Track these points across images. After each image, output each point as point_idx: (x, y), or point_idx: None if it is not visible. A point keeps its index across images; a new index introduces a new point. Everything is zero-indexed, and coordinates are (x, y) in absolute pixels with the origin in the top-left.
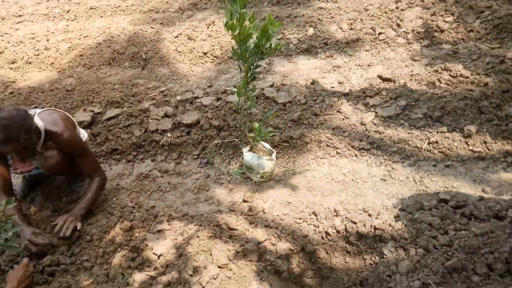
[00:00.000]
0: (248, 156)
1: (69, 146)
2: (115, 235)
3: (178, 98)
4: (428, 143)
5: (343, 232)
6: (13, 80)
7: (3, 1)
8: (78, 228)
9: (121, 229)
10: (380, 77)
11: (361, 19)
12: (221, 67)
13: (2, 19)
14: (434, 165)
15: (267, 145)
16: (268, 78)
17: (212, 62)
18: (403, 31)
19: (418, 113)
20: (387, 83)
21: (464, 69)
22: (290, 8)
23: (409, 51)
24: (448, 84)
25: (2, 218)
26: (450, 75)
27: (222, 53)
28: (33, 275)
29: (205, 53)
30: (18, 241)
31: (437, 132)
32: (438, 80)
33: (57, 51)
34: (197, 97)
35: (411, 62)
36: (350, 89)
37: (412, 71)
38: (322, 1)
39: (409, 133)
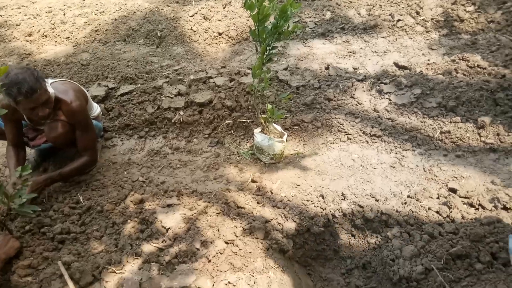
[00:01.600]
0: (259, 137)
1: (75, 116)
2: (125, 207)
3: (192, 77)
4: (440, 133)
5: (349, 216)
6: (29, 53)
7: None
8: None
9: (131, 201)
10: (396, 64)
11: (380, 5)
12: (235, 48)
13: None
14: (445, 154)
15: (279, 127)
16: (283, 61)
17: (226, 43)
18: (422, 19)
19: (432, 102)
20: (403, 71)
21: (482, 60)
22: None
23: (427, 39)
24: (464, 75)
25: (18, 184)
26: (467, 65)
27: (237, 34)
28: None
29: (220, 34)
30: (32, 207)
31: (450, 122)
32: (455, 70)
33: (73, 25)
34: (210, 77)
35: (428, 51)
36: (365, 75)
37: (429, 60)
38: None
39: (421, 122)
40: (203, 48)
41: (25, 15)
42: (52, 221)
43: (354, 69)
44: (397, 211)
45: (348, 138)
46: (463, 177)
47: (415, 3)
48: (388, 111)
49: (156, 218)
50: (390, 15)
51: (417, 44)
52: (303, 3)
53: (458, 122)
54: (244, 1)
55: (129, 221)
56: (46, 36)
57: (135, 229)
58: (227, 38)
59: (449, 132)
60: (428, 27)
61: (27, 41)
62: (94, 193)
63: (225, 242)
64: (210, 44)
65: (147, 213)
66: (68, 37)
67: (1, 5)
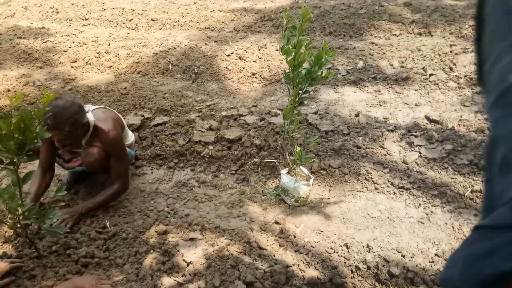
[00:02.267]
0: (285, 178)
1: (111, 145)
2: (149, 236)
3: (223, 113)
4: (471, 191)
5: (374, 269)
6: (72, 78)
7: (72, 4)
8: (68, 227)
9: (155, 231)
10: (427, 117)
11: (412, 58)
12: (267, 88)
13: (70, 20)
14: (475, 214)
15: (306, 170)
16: (313, 105)
17: (259, 83)
18: (455, 75)
19: (464, 159)
20: (434, 125)
21: None
22: (341, 40)
23: (460, 95)
24: None
25: (50, 203)
26: None
27: (270, 76)
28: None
29: (253, 74)
30: (62, 228)
31: (482, 181)
32: (488, 128)
33: (116, 56)
34: (241, 115)
35: (460, 107)
36: (395, 126)
37: (461, 116)
38: (375, 37)
39: (452, 178)
40: (236, 87)
41: (73, 42)
42: (78, 244)
43: (385, 119)
44: (423, 269)
45: (376, 188)
46: None
47: (448, 59)
48: (417, 164)
49: (178, 251)
50: (423, 68)
51: (449, 100)
52: (337, 51)
53: None
54: (281, 47)
55: (151, 251)
56: (90, 64)
57: (156, 260)
58: (260, 78)
59: (480, 191)
60: (461, 83)
61: (72, 67)
62: (121, 219)
63: (244, 283)
64: (243, 83)
65: (170, 245)
66: (110, 66)
67: (52, 32)
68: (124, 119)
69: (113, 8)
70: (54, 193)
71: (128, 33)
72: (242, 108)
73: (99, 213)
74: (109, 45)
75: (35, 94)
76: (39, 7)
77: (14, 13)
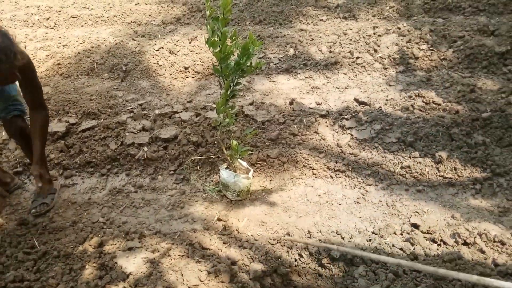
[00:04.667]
0: (224, 173)
1: (29, 67)
2: (83, 251)
3: (157, 112)
4: (401, 167)
5: (315, 255)
6: None
7: None
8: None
9: (90, 245)
10: (356, 100)
11: (340, 43)
12: (201, 82)
13: None
14: (406, 189)
15: (245, 163)
16: (248, 96)
17: (193, 77)
18: (380, 57)
19: (392, 138)
20: (363, 107)
21: (437, 96)
22: (271, 28)
23: (385, 76)
24: (421, 110)
25: None
26: (423, 102)
27: (203, 69)
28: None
29: (186, 68)
30: None
31: (410, 157)
32: (412, 106)
33: (34, 59)
34: (176, 112)
35: (386, 87)
36: (327, 111)
37: (387, 96)
38: (303, 23)
39: (382, 157)
40: (169, 83)
41: None
42: (5, 268)
43: (317, 104)
44: (362, 249)
45: (313, 174)
46: (425, 212)
47: (372, 41)
48: (350, 146)
49: (116, 262)
50: (349, 52)
51: (376, 81)
52: (267, 39)
53: (417, 157)
54: (206, 39)
55: (87, 266)
56: None
57: (93, 275)
58: (193, 72)
59: (409, 167)
60: (386, 64)
61: None
62: (51, 236)
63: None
64: (176, 78)
65: (107, 257)
66: None
67: None
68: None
69: (27, 7)
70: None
71: (47, 33)
72: (176, 105)
73: (25, 231)
74: (25, 47)
75: None
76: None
77: None
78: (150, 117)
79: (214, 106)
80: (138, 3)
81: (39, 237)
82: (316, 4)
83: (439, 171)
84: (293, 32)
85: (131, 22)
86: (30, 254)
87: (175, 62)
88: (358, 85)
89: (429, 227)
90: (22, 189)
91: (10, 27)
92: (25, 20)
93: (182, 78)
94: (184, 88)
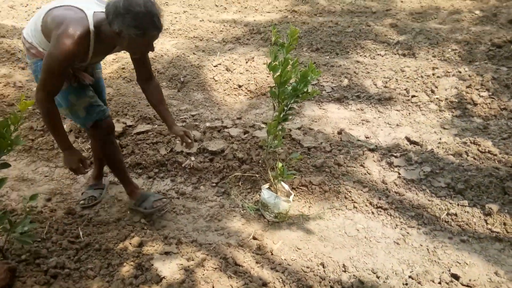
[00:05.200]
0: (266, 193)
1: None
2: (123, 248)
3: (207, 124)
4: (447, 214)
5: None
6: None
7: None
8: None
9: (130, 243)
10: (407, 139)
11: (396, 79)
12: (253, 101)
13: None
14: (450, 237)
15: (286, 186)
16: (297, 120)
17: (245, 95)
18: (437, 98)
19: (441, 182)
20: (414, 146)
21: (493, 146)
22: (328, 57)
23: (440, 118)
24: (475, 158)
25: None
26: (478, 150)
27: (256, 89)
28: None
29: (240, 86)
30: (32, 237)
31: (458, 204)
32: (466, 152)
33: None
34: (225, 127)
35: (440, 129)
36: (376, 145)
37: (440, 139)
38: (361, 56)
39: (429, 200)
40: (222, 98)
41: None
42: (49, 253)
43: (366, 137)
44: None
45: (354, 207)
46: (467, 264)
47: (430, 82)
48: (396, 185)
49: (152, 264)
50: (405, 89)
51: (430, 122)
52: (322, 67)
53: (465, 206)
54: (268, 63)
55: (125, 264)
56: None
57: (129, 273)
58: (246, 91)
59: (456, 215)
60: (442, 106)
61: None
62: (95, 229)
63: None
64: (229, 94)
65: (144, 258)
66: None
67: None
68: None
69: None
70: (27, 201)
71: None
72: (226, 120)
73: (72, 221)
74: None
75: (15, 95)
76: (25, 6)
77: None
78: (200, 128)
79: (263, 125)
80: (203, 20)
81: (84, 228)
82: (375, 38)
83: (487, 223)
84: (349, 63)
85: (194, 37)
86: (73, 244)
87: (230, 79)
88: (411, 123)
89: (470, 280)
90: (73, 180)
91: None
92: None
93: (235, 95)
94: (236, 105)
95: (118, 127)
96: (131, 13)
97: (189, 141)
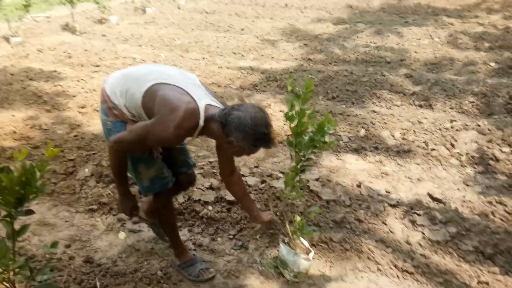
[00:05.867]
0: (284, 250)
1: None
2: None
3: None
4: (478, 282)
5: None
6: (79, 124)
7: (85, 50)
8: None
9: None
10: (430, 195)
11: (414, 131)
12: (270, 149)
13: (82, 66)
14: None
15: (306, 242)
16: (314, 171)
17: None
18: (457, 152)
19: (469, 245)
20: (437, 204)
21: None
22: (344, 106)
23: (462, 174)
24: (502, 220)
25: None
26: (505, 211)
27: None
28: None
29: None
30: (51, 287)
31: (489, 272)
32: (492, 213)
33: None
34: (243, 175)
35: (463, 186)
36: (397, 201)
37: (464, 197)
38: (377, 105)
39: (457, 266)
40: None
41: (83, 88)
42: None
43: (387, 192)
44: None
45: (378, 269)
46: None
47: (449, 135)
48: (421, 246)
49: None
50: (424, 142)
51: (452, 177)
52: (339, 117)
53: (496, 274)
54: (285, 113)
55: None
56: (97, 111)
57: None
58: None
59: (487, 283)
60: (463, 161)
61: (80, 112)
62: (112, 280)
63: None
64: None
65: None
66: None
67: (63, 76)
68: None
69: (125, 57)
70: (48, 248)
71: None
72: (244, 168)
73: (90, 270)
74: None
75: (40, 137)
76: (53, 50)
77: (28, 54)
78: (218, 176)
79: (280, 175)
80: (221, 67)
81: (101, 279)
82: (391, 88)
83: None
84: (366, 113)
85: (212, 83)
86: None
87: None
88: (432, 179)
89: None
90: (92, 227)
91: (107, 73)
92: (120, 69)
93: None
94: None
95: None
96: (255, 133)
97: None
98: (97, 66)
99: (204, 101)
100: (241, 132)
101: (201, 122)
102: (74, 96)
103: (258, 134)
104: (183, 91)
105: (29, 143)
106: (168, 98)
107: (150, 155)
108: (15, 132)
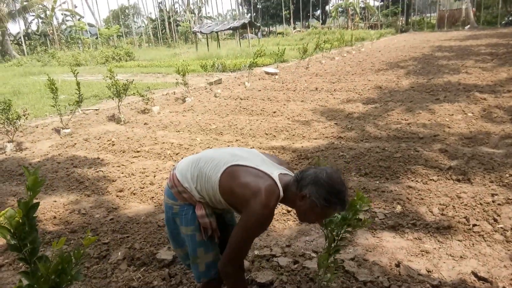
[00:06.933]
0: None
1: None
2: None
3: (256, 252)
4: None
5: None
6: (116, 207)
7: (128, 138)
8: None
9: None
10: (475, 274)
11: (453, 206)
12: (302, 227)
13: (123, 152)
14: None
15: None
16: (349, 250)
17: (294, 221)
18: (501, 227)
19: None
20: (483, 283)
21: None
22: (378, 182)
23: (508, 250)
24: None
25: None
26: None
27: None
28: None
29: (288, 211)
30: None
31: None
32: None
33: (159, 187)
34: (274, 255)
35: (510, 263)
36: (439, 281)
37: None
38: (412, 181)
39: None
40: (271, 223)
41: (122, 173)
42: None
43: (428, 271)
44: None
45: None
46: None
47: (491, 209)
48: None
49: None
50: (465, 218)
51: (497, 254)
52: (373, 193)
53: None
54: None
55: None
56: (134, 194)
57: None
58: (294, 216)
59: None
60: (508, 236)
61: (117, 196)
62: None
63: None
64: (277, 220)
65: None
66: (152, 197)
67: (105, 162)
68: (157, 253)
69: (163, 143)
70: None
71: (173, 165)
72: (275, 248)
73: None
74: (154, 176)
75: (78, 222)
76: (98, 139)
77: (75, 144)
78: (249, 257)
79: (313, 255)
80: (253, 147)
81: None
82: (426, 164)
83: None
84: (401, 189)
85: None
86: None
87: (279, 204)
88: (476, 256)
89: None
90: None
91: (146, 158)
92: (159, 153)
93: (284, 220)
94: (285, 231)
95: (169, 255)
96: (330, 187)
97: None
98: (137, 152)
99: (275, 172)
100: (315, 185)
101: (281, 194)
102: (113, 181)
103: (333, 189)
104: (255, 170)
105: (67, 227)
106: (246, 183)
107: (210, 239)
108: (55, 217)
